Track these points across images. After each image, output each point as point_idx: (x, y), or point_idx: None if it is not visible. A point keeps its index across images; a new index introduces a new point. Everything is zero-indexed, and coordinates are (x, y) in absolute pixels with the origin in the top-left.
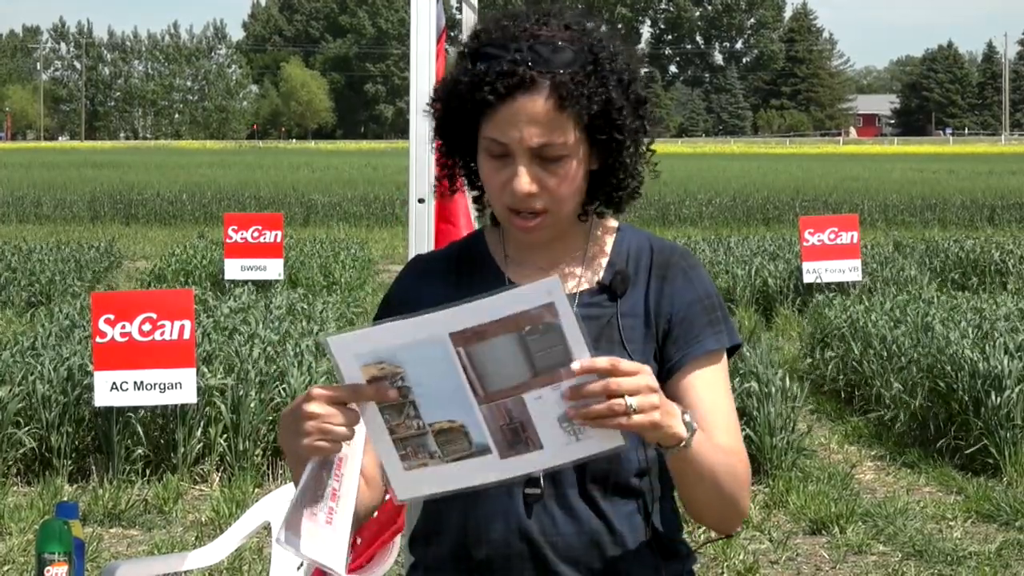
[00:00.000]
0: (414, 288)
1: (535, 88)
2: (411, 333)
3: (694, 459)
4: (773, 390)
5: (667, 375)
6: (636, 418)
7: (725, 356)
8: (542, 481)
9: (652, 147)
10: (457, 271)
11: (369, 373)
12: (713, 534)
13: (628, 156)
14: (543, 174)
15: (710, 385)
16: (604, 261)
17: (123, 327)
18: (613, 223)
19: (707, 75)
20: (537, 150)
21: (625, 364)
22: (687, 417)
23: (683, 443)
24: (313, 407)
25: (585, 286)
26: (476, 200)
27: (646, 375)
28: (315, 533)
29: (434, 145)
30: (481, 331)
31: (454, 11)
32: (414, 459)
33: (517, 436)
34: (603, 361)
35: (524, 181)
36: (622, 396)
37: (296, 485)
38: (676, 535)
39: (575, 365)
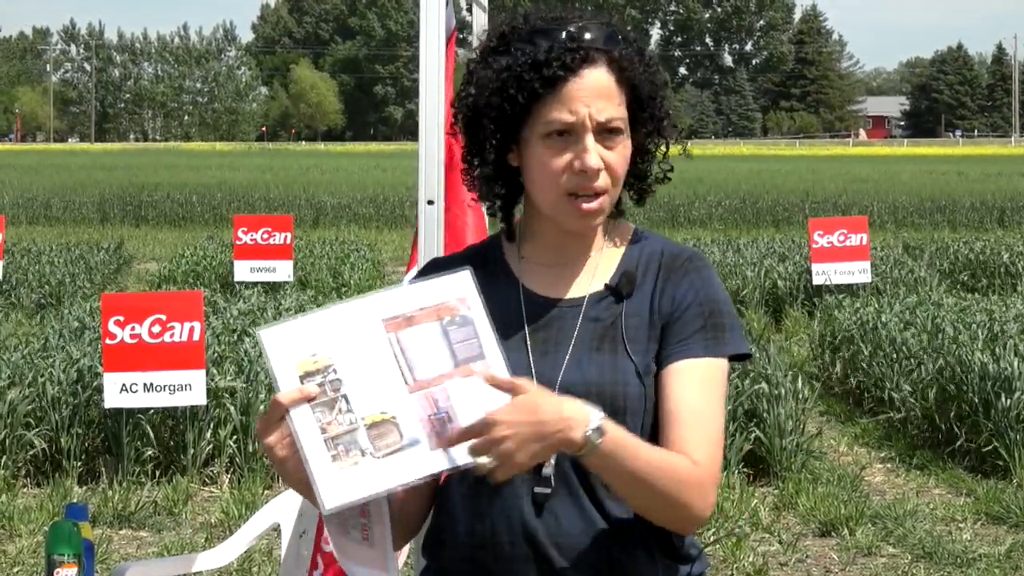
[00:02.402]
0: None
1: (597, 63)
2: (344, 320)
3: (606, 462)
4: (783, 392)
5: (657, 372)
6: (494, 472)
7: (720, 364)
8: (552, 481)
9: (680, 145)
10: (477, 271)
11: (303, 368)
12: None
13: (662, 141)
14: (604, 151)
15: (688, 388)
16: (616, 263)
17: (133, 329)
18: (630, 228)
19: (716, 77)
20: (604, 124)
21: (475, 424)
22: (593, 428)
23: (585, 450)
24: (268, 443)
25: (595, 289)
26: (501, 207)
27: (499, 428)
28: (355, 551)
29: (447, 144)
30: (409, 317)
31: (464, 13)
32: (346, 458)
33: (444, 427)
34: (458, 395)
35: (594, 156)
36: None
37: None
38: (683, 538)
39: (405, 429)
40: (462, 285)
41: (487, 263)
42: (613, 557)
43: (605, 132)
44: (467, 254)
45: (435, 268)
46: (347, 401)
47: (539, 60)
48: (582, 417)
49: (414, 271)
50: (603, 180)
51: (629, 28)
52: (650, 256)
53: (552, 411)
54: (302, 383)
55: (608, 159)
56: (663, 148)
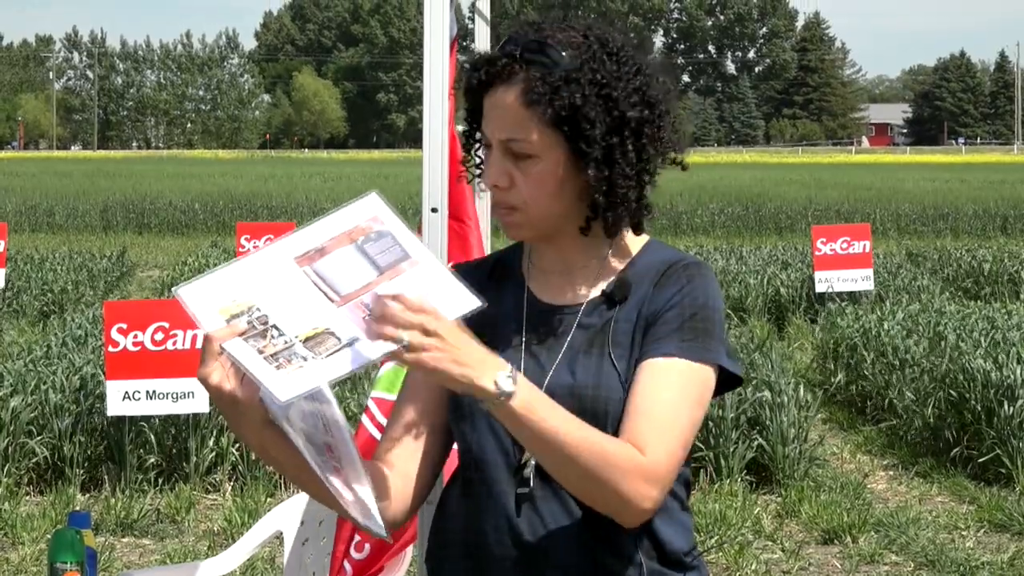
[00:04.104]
0: None
1: (511, 80)
2: (256, 267)
3: (520, 422)
4: (785, 399)
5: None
6: (408, 355)
7: (696, 369)
8: (531, 481)
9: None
10: (490, 277)
11: (227, 312)
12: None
13: (609, 174)
14: (515, 171)
15: (657, 378)
16: (617, 273)
17: (135, 336)
18: (643, 239)
19: (719, 84)
20: (505, 143)
21: (411, 299)
22: (505, 377)
23: (493, 401)
24: (203, 374)
25: (593, 295)
26: None
27: (429, 317)
28: (349, 497)
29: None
30: (321, 248)
31: (467, 20)
32: (289, 365)
33: (377, 326)
34: (389, 292)
35: (492, 172)
36: (401, 327)
37: (275, 467)
38: (677, 545)
39: (341, 333)
40: (371, 206)
41: (506, 268)
42: (598, 560)
43: (511, 153)
44: (492, 259)
45: (460, 275)
46: (277, 329)
47: (466, 69)
48: (495, 364)
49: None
50: (512, 197)
51: (631, 34)
52: (651, 265)
53: (474, 346)
54: (231, 327)
55: (516, 179)
56: (622, 180)
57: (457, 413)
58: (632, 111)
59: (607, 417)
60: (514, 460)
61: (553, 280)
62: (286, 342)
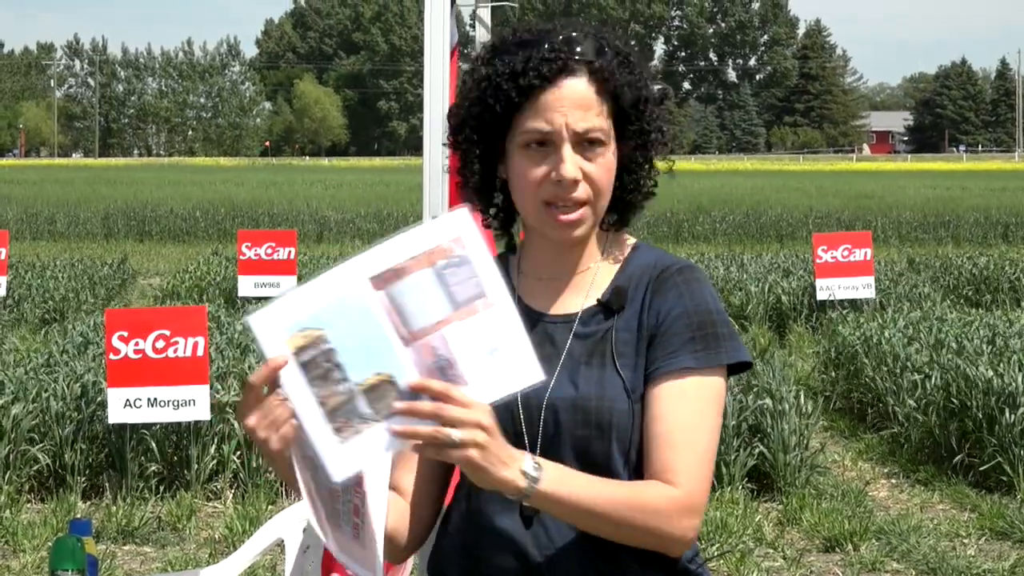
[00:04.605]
0: None
1: (576, 73)
2: (331, 287)
3: (553, 504)
4: (787, 407)
5: (644, 384)
6: (454, 452)
7: (712, 376)
8: None
9: (668, 162)
10: None
11: (294, 344)
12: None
13: (649, 155)
14: (584, 162)
15: (676, 400)
16: (610, 279)
17: (137, 344)
18: (630, 241)
19: (720, 92)
20: (582, 134)
21: (457, 393)
22: (531, 465)
23: (522, 494)
24: (249, 426)
25: (589, 304)
26: (500, 220)
27: (479, 412)
28: (345, 544)
29: (449, 155)
30: (399, 269)
31: (467, 28)
32: (348, 429)
33: (444, 375)
34: (438, 385)
35: (570, 166)
36: (451, 424)
37: (292, 486)
38: (686, 553)
39: (403, 384)
40: (457, 224)
41: None
42: (602, 571)
43: (585, 143)
44: None
45: None
46: (341, 369)
47: (516, 70)
48: (519, 455)
49: None
50: (582, 191)
51: (632, 42)
52: (643, 269)
53: (503, 440)
54: (297, 361)
55: (588, 170)
56: (649, 162)
57: None
58: (651, 104)
59: (612, 428)
60: None
61: (545, 288)
62: (348, 391)
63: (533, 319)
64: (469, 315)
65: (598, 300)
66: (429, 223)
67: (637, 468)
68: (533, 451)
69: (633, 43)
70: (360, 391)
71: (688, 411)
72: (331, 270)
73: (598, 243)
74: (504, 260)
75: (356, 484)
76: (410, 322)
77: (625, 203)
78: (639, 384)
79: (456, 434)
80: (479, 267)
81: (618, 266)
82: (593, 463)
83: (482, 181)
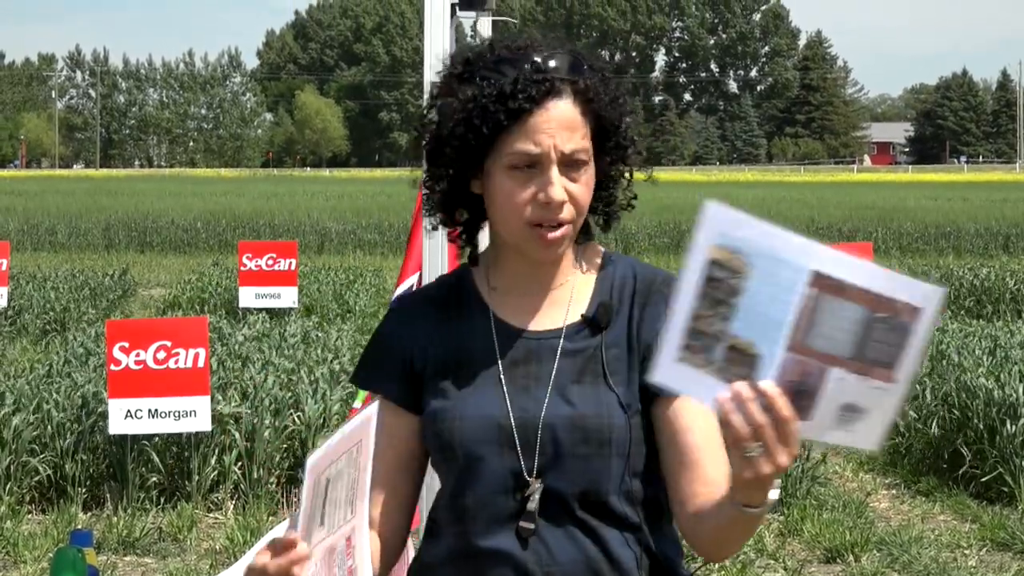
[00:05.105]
0: (399, 334)
1: (562, 95)
2: (781, 246)
3: (758, 518)
4: None
5: (650, 403)
6: (742, 461)
7: None
8: (536, 517)
9: (645, 173)
10: (444, 307)
11: (716, 254)
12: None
13: (628, 169)
14: (568, 182)
15: (694, 415)
16: (590, 292)
17: (137, 355)
18: (599, 251)
19: (721, 103)
20: (568, 156)
21: (792, 429)
22: (778, 484)
23: (760, 510)
24: None
25: (572, 319)
26: (465, 233)
27: (790, 455)
28: None
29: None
30: (842, 288)
31: (468, 38)
32: (692, 355)
33: (797, 398)
34: (786, 411)
35: (559, 189)
36: (761, 441)
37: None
38: (676, 561)
39: (761, 373)
40: (926, 299)
41: (460, 294)
42: None
43: (570, 163)
44: (433, 289)
45: (402, 308)
46: (731, 310)
47: (505, 92)
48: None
49: (404, 285)
50: (567, 212)
51: (603, 54)
52: (623, 281)
53: None
54: (708, 267)
55: (572, 191)
56: (627, 175)
57: (445, 454)
58: (628, 111)
59: (611, 445)
60: (514, 500)
61: (521, 304)
62: (720, 331)
63: (512, 336)
64: (862, 372)
65: (582, 316)
66: (909, 280)
67: (632, 484)
68: (530, 471)
69: (605, 59)
70: (728, 342)
71: (704, 416)
72: (793, 234)
73: (571, 255)
74: (466, 274)
75: (347, 545)
76: (811, 335)
77: (604, 216)
78: (634, 400)
79: (755, 453)
80: (911, 346)
81: (594, 277)
82: (592, 480)
83: (449, 196)
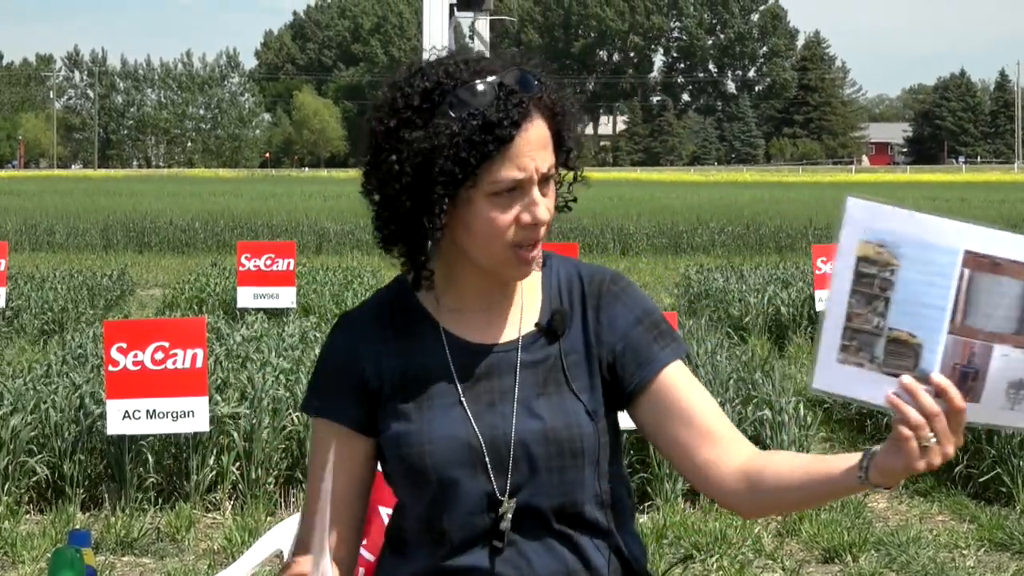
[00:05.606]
0: (349, 348)
1: (533, 115)
2: (928, 231)
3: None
4: (786, 418)
5: (629, 401)
6: (917, 452)
7: (683, 365)
8: (506, 537)
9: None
10: (391, 324)
11: (864, 251)
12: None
13: (574, 171)
14: (543, 199)
15: (691, 388)
16: (538, 299)
17: (135, 355)
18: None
19: (720, 103)
20: (545, 174)
21: (964, 419)
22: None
23: (892, 487)
24: None
25: (526, 328)
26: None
27: (957, 441)
28: None
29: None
30: (997, 264)
31: (466, 40)
32: (852, 355)
33: (964, 381)
34: (959, 401)
35: (544, 208)
36: (936, 434)
37: None
38: (643, 562)
39: (926, 364)
40: None
41: (406, 311)
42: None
43: (543, 180)
44: (379, 303)
45: (351, 324)
46: (886, 305)
47: (491, 120)
48: None
49: None
50: (543, 230)
51: (633, 55)
52: (569, 283)
53: None
54: (856, 265)
55: (548, 206)
56: (572, 177)
57: (416, 478)
58: (578, 114)
59: (583, 454)
60: (489, 518)
61: (472, 318)
62: (877, 326)
63: (467, 351)
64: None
65: (536, 324)
66: None
67: (601, 487)
68: (502, 489)
69: (632, 55)
70: (887, 337)
71: (702, 391)
72: (938, 216)
73: None
74: (405, 289)
75: None
76: (971, 315)
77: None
78: (599, 405)
79: (931, 443)
80: None
81: (537, 280)
82: (567, 493)
83: (407, 228)
